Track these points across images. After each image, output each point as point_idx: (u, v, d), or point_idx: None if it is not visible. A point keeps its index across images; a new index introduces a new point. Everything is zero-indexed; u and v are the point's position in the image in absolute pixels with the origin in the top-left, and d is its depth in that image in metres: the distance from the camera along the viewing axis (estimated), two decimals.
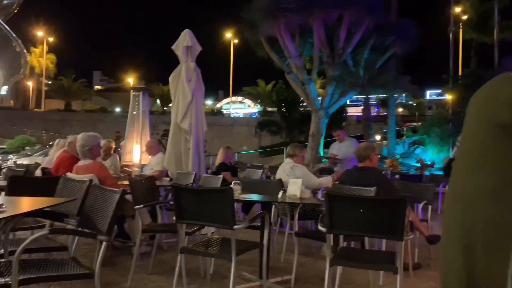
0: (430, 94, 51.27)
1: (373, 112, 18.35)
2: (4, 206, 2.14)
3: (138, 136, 8.09)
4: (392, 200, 2.83)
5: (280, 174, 4.95)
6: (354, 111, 35.35)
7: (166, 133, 14.17)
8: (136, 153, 8.05)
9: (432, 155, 15.62)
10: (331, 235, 2.83)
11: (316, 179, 4.95)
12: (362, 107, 16.55)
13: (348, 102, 23.34)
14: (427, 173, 12.14)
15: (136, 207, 3.80)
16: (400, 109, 40.75)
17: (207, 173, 6.31)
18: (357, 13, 13.31)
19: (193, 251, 3.06)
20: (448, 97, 19.02)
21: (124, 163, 7.54)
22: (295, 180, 3.78)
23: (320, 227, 2.94)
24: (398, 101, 23.55)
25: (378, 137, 22.04)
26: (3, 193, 3.54)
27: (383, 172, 6.97)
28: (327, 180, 4.93)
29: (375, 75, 13.84)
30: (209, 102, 52.27)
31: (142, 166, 6.95)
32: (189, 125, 5.90)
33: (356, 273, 3.82)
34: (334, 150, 7.30)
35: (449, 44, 20.87)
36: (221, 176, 5.21)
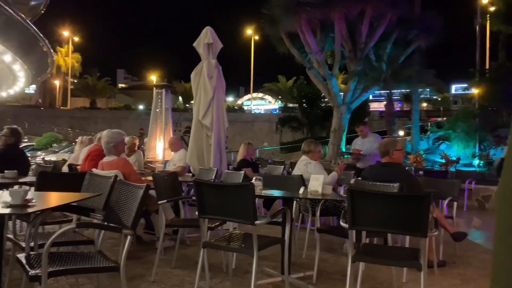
0: (455, 88, 49.92)
1: (397, 107, 18.02)
2: (33, 201, 2.22)
3: (161, 133, 8.19)
4: (415, 196, 2.78)
5: (296, 172, 4.94)
6: (377, 106, 34.79)
7: (188, 130, 14.33)
8: (159, 149, 8.17)
9: (457, 151, 15.26)
10: (353, 231, 2.81)
11: (327, 177, 4.86)
12: (385, 102, 16.28)
13: (370, 97, 23.01)
14: (452, 169, 11.88)
15: (160, 202, 3.87)
16: (424, 104, 39.87)
17: (228, 169, 6.35)
18: (379, 7, 13.09)
19: (215, 245, 3.10)
20: (475, 91, 18.49)
21: (148, 159, 7.65)
22: (317, 176, 3.76)
23: (342, 223, 2.92)
24: (422, 96, 23.00)
25: (401, 133, 21.66)
26: (32, 188, 3.66)
27: (407, 168, 6.86)
28: (333, 177, 4.83)
29: (398, 69, 13.60)
30: (230, 98, 52.51)
31: (165, 162, 7.05)
32: (210, 121, 5.95)
33: (379, 270, 3.79)
34: (357, 146, 7.17)
35: (475, 37, 20.26)
36: (242, 172, 5.24)
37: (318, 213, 4.07)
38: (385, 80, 13.50)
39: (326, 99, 18.90)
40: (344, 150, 13.63)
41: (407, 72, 13.45)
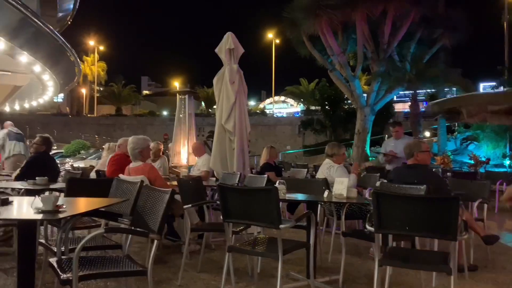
0: (483, 87, 48.46)
1: (422, 107, 17.60)
2: (64, 207, 2.28)
3: (185, 138, 8.31)
4: (443, 199, 2.72)
5: (319, 175, 4.90)
6: (402, 107, 34.18)
7: (211, 134, 14.46)
8: (183, 154, 8.28)
9: (487, 151, 14.80)
10: (380, 235, 2.77)
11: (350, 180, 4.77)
12: (410, 103, 15.97)
13: (395, 98, 22.61)
14: (481, 170, 11.53)
15: (185, 206, 3.91)
16: None
17: (251, 173, 6.36)
18: (402, 6, 12.89)
19: (241, 250, 3.11)
20: (504, 89, 17.91)
21: (172, 165, 7.77)
22: (341, 179, 3.73)
23: (368, 227, 2.88)
24: (448, 96, 22.46)
25: (427, 134, 21.18)
26: (62, 194, 3.76)
27: (434, 170, 6.68)
28: (354, 179, 4.73)
29: (423, 69, 13.34)
30: (252, 102, 52.65)
31: (190, 167, 7.13)
32: (233, 126, 5.99)
33: (407, 274, 3.71)
34: (390, 147, 6.85)
35: (503, 33, 19.67)
36: (265, 175, 5.24)
37: (343, 217, 4.02)
38: (410, 80, 13.27)
39: (349, 101, 18.70)
40: (368, 152, 13.44)
41: (432, 71, 13.18)
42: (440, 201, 2.68)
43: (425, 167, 4.09)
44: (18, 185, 4.37)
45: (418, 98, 16.22)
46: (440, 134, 16.60)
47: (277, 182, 3.86)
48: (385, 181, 4.28)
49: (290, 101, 51.99)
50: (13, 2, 7.69)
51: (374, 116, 14.22)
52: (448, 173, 8.90)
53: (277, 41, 41.12)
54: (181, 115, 8.60)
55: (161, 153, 6.59)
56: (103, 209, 2.76)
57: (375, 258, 2.77)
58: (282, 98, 52.78)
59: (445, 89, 16.89)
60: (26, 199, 2.68)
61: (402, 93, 22.37)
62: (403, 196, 2.94)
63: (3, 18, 7.81)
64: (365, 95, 14.45)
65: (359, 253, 4.54)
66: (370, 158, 14.27)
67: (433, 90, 19.02)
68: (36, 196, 2.29)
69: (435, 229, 2.64)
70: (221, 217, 3.11)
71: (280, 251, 2.77)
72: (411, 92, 15.54)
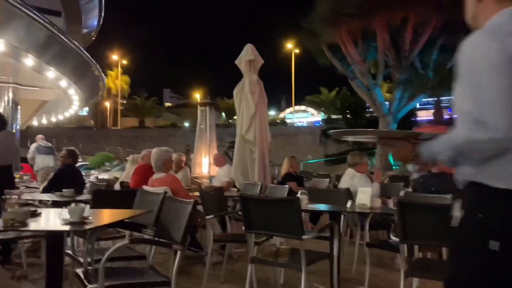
0: None
1: (446, 115, 17.25)
2: (90, 218, 2.33)
3: (206, 149, 8.37)
4: None
5: (342, 185, 4.85)
6: (425, 114, 33.55)
7: (232, 145, 14.54)
8: (204, 165, 8.33)
9: None
10: (405, 245, 2.71)
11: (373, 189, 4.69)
12: (434, 110, 15.69)
13: (418, 105, 22.27)
14: None
15: (207, 217, 3.93)
16: None
17: (272, 183, 6.35)
18: (423, 12, 12.74)
19: (263, 261, 3.09)
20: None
21: (194, 175, 7.83)
22: (365, 189, 3.68)
23: (392, 237, 2.83)
24: None
25: None
26: (87, 206, 3.84)
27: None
28: (377, 188, 4.64)
29: (446, 75, 13.10)
30: (272, 112, 52.72)
31: (211, 178, 7.17)
32: (253, 136, 6.01)
33: (434, 286, 3.60)
34: None
35: None
36: (287, 186, 5.22)
37: (367, 227, 3.96)
38: (432, 87, 13.06)
39: (370, 109, 18.53)
40: (392, 161, 13.23)
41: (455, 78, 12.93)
42: None
43: (450, 175, 3.99)
44: (46, 197, 4.48)
45: (441, 105, 15.94)
46: None
47: (299, 192, 3.83)
48: (410, 190, 4.20)
49: (311, 110, 51.83)
50: (41, 20, 8.01)
51: (397, 124, 14.01)
52: None
53: (296, 51, 41.22)
54: (202, 126, 8.68)
55: (183, 164, 6.65)
56: (127, 220, 2.80)
57: (401, 269, 2.71)
58: (303, 107, 52.68)
59: None
60: (53, 211, 2.75)
61: (425, 101, 22.00)
62: (428, 205, 2.88)
63: (32, 36, 8.14)
64: (387, 103, 14.28)
65: (384, 264, 4.44)
66: (394, 167, 14.03)
67: None
68: (64, 207, 2.34)
69: None
70: (243, 227, 3.11)
71: (303, 262, 2.74)
72: (434, 99, 15.28)
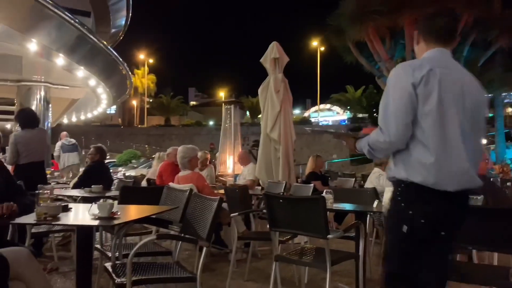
0: None
1: None
2: (118, 214, 2.38)
3: (230, 147, 8.41)
4: (504, 210, 2.56)
5: (368, 184, 4.78)
6: None
7: (256, 144, 14.54)
8: (229, 163, 8.38)
9: None
10: None
11: None
12: None
13: None
14: None
15: (232, 215, 3.95)
16: (510, 109, 36.62)
17: (297, 182, 6.32)
18: (453, 8, 12.36)
19: (288, 259, 3.08)
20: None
21: (219, 173, 7.88)
22: (392, 188, 3.60)
23: None
24: (506, 101, 21.22)
25: (484, 141, 20.04)
26: (115, 201, 3.93)
27: (492, 179, 6.32)
28: None
29: (478, 73, 12.69)
30: (296, 111, 52.45)
31: (236, 176, 7.20)
32: (278, 134, 5.99)
33: (459, 285, 3.50)
34: None
35: None
36: (312, 184, 5.19)
37: None
38: None
39: None
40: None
41: (488, 75, 12.52)
42: (500, 213, 2.53)
43: (482, 177, 3.86)
44: (76, 192, 4.61)
45: None
46: (498, 141, 15.66)
47: (324, 191, 3.80)
48: None
49: (336, 108, 51.25)
50: (72, 21, 8.23)
51: None
52: (508, 183, 8.38)
53: (322, 48, 40.85)
54: (226, 125, 8.73)
55: (208, 162, 6.71)
56: (154, 216, 2.85)
57: None
58: (328, 106, 52.17)
59: (503, 94, 15.98)
60: (83, 206, 2.82)
61: None
62: None
63: (63, 36, 8.38)
64: None
65: None
66: None
67: (489, 95, 18.03)
68: (93, 203, 2.40)
69: (494, 242, 2.49)
70: (268, 226, 3.11)
71: (328, 261, 2.72)
72: None
